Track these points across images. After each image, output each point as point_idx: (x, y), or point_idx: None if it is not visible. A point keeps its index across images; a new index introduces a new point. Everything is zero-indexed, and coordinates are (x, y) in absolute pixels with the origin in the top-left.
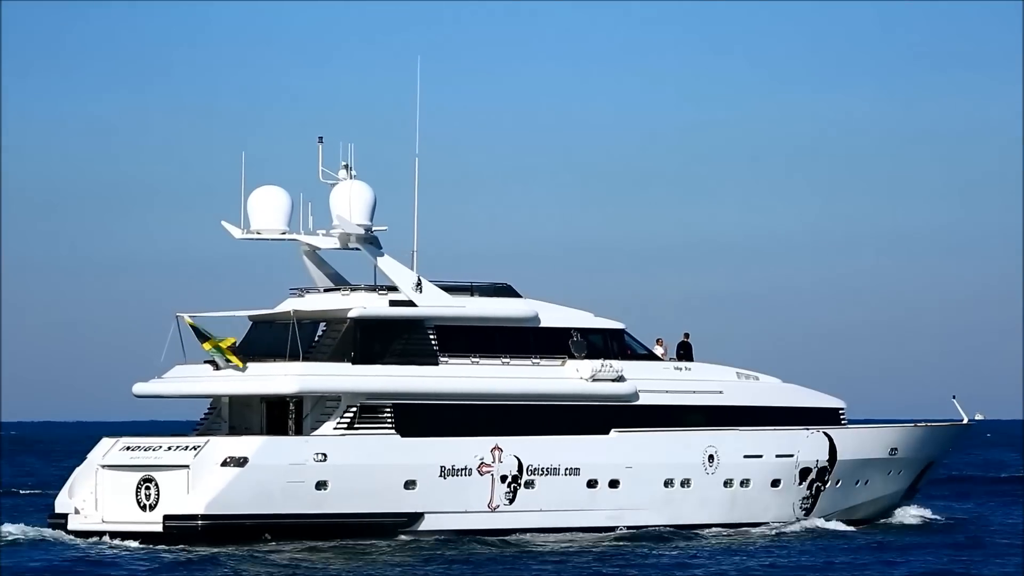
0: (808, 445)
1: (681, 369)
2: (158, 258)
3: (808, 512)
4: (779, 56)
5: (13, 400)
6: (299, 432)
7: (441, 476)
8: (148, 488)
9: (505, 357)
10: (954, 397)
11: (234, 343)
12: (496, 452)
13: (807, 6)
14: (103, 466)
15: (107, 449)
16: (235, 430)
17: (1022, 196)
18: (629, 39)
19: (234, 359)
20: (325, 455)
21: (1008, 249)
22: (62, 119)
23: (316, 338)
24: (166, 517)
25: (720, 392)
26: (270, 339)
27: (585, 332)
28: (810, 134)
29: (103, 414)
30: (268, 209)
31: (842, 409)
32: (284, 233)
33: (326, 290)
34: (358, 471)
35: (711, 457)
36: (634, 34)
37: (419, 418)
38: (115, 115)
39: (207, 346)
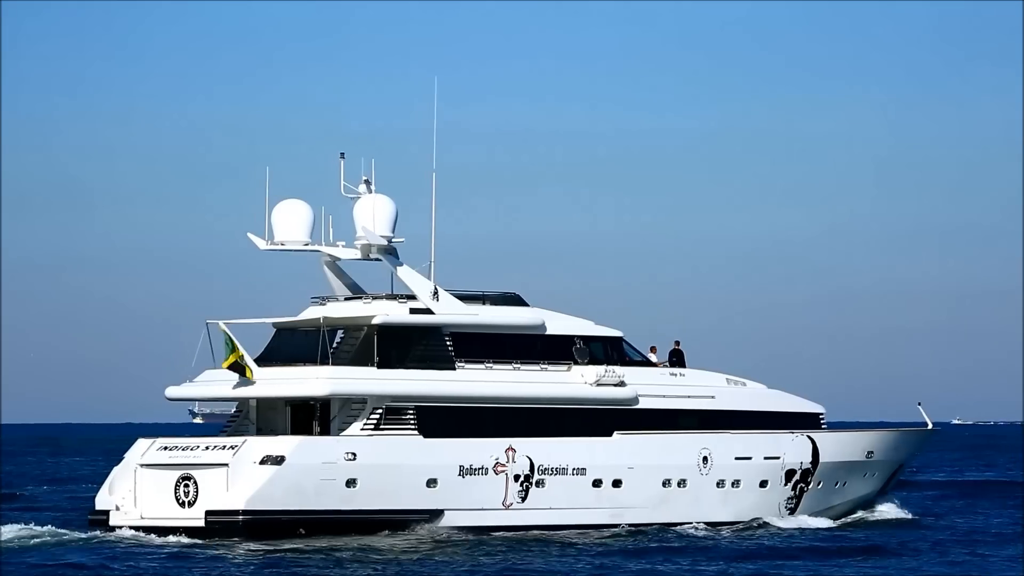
0: (793, 448)
1: (676, 375)
2: (186, 265)
3: (792, 512)
4: (781, 59)
5: (30, 401)
6: (324, 433)
7: (460, 475)
8: (187, 486)
9: (516, 363)
10: (919, 404)
11: (238, 358)
12: (510, 452)
13: (819, 6)
14: (142, 465)
15: (144, 449)
16: (261, 431)
17: (1022, 199)
18: (637, 41)
19: (248, 370)
20: (355, 454)
21: (1007, 251)
22: (94, 124)
23: (335, 344)
24: (208, 513)
25: (712, 397)
26: (293, 345)
27: (587, 339)
28: (810, 141)
29: (115, 416)
30: (292, 222)
31: (822, 414)
32: (307, 244)
33: (346, 299)
34: (385, 470)
35: (705, 459)
36: (641, 36)
37: (440, 420)
38: (145, 122)
39: (228, 362)
